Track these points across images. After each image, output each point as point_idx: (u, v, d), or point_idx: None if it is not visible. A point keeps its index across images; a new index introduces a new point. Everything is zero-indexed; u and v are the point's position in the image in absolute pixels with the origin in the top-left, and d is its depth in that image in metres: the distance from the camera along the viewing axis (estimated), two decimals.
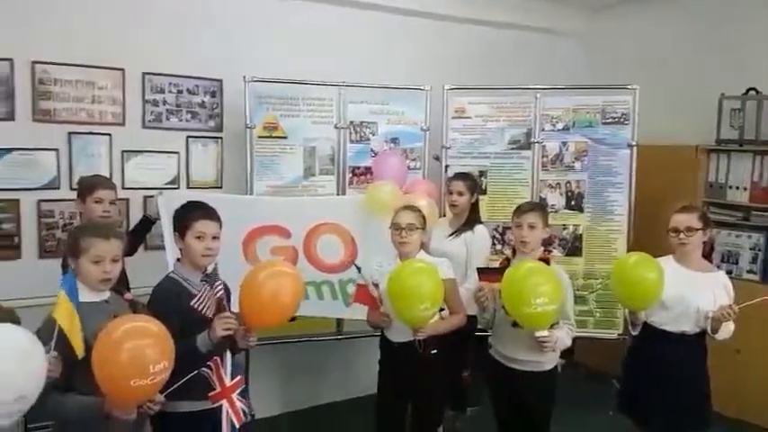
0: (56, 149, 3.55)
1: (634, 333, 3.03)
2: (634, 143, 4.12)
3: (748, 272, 4.22)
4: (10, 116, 3.42)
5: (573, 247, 4.25)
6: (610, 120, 4.18)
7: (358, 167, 4.07)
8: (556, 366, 2.97)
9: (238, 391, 2.29)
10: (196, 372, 2.16)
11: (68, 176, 3.57)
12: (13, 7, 3.37)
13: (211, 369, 2.22)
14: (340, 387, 4.44)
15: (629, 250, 4.01)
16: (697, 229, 2.88)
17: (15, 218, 3.47)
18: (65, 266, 2.32)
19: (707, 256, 3.04)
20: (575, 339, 4.63)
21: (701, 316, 2.84)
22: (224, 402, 2.26)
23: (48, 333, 1.87)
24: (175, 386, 2.02)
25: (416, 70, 4.36)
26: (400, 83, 4.13)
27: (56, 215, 3.55)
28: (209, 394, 2.23)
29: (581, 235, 4.24)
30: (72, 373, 1.93)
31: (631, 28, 5.21)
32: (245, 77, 3.76)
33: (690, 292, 2.85)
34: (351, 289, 3.49)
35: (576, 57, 5.18)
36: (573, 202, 4.24)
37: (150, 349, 1.84)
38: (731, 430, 4.00)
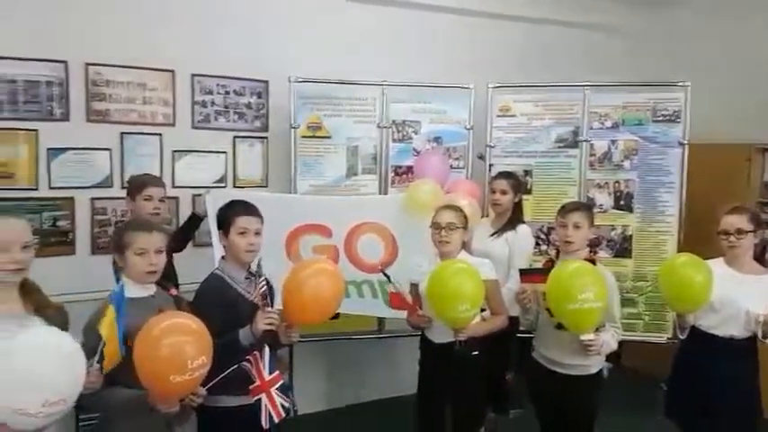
0: (108, 149, 3.68)
1: (682, 337, 2.95)
2: (685, 142, 4.00)
3: None
4: (65, 117, 3.56)
5: (622, 249, 4.15)
6: (660, 118, 4.06)
7: (400, 167, 4.07)
8: (601, 370, 2.90)
9: (277, 385, 2.32)
10: (237, 365, 2.20)
11: (120, 175, 3.70)
12: (68, 10, 3.51)
13: (251, 363, 2.25)
14: (383, 385, 4.46)
15: (679, 252, 3.90)
16: (747, 232, 2.80)
17: (70, 215, 3.61)
18: (116, 266, 2.40)
19: (759, 257, 2.93)
20: (621, 342, 4.58)
21: (750, 320, 2.75)
22: (263, 396, 2.29)
23: (92, 345, 1.93)
24: (217, 380, 2.06)
25: (460, 69, 4.34)
26: (443, 81, 4.12)
27: (108, 212, 3.68)
28: (250, 387, 2.27)
29: (630, 236, 4.13)
30: (119, 367, 1.99)
31: (684, 25, 5.07)
32: (289, 78, 3.83)
33: (739, 296, 2.77)
34: (391, 288, 3.50)
35: (626, 54, 5.06)
36: (622, 202, 4.14)
37: (189, 345, 1.88)
38: None
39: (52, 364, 1.68)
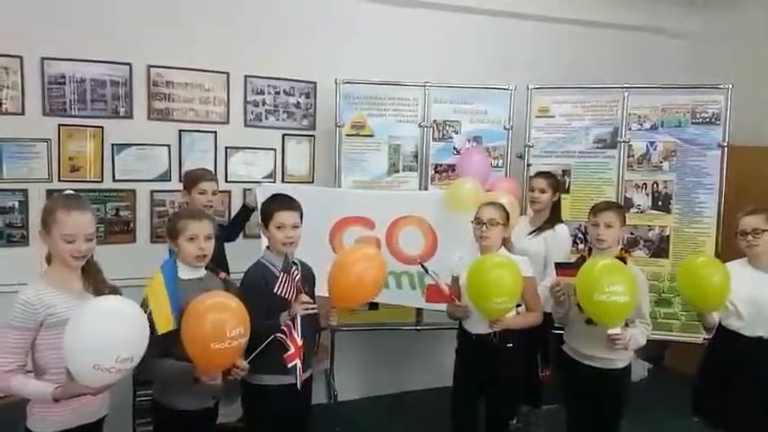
0: (168, 145, 3.93)
1: (708, 336, 2.99)
2: (725, 144, 3.99)
3: None
4: (128, 115, 3.82)
5: (659, 249, 4.17)
6: (700, 120, 4.06)
7: (440, 165, 4.20)
8: (629, 365, 2.97)
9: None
10: (273, 336, 2.40)
11: (178, 169, 3.93)
12: (132, 17, 3.75)
13: (285, 333, 2.44)
14: (422, 376, 4.57)
15: (717, 253, 3.91)
16: (764, 230, 2.82)
17: (132, 206, 3.87)
18: (171, 251, 2.62)
19: None
20: (664, 344, 4.59)
21: None
22: (297, 361, 2.47)
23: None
24: (257, 351, 2.29)
25: (500, 70, 4.41)
26: (484, 83, 4.22)
27: (166, 204, 3.92)
28: (285, 356, 2.44)
29: (668, 236, 4.15)
30: (169, 341, 2.19)
31: (725, 26, 5.01)
32: (336, 79, 4.00)
33: (763, 295, 2.80)
34: (429, 280, 3.64)
35: (666, 55, 5.03)
36: (660, 203, 4.15)
37: (227, 316, 2.09)
38: None
39: (123, 324, 1.91)
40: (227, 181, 4.06)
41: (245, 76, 4.10)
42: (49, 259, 2.18)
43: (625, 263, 2.89)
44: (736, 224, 2.92)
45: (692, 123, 4.08)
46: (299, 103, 4.27)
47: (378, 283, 2.64)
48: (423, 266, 3.40)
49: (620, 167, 4.18)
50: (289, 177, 4.28)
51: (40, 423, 2.11)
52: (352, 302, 2.65)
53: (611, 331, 2.65)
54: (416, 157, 4.17)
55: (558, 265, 2.97)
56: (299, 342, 2.45)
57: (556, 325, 3.28)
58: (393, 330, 4.26)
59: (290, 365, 2.45)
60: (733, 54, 4.82)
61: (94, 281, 2.20)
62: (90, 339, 1.85)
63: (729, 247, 3.75)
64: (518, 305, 2.98)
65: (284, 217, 2.63)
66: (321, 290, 2.77)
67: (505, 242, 3.11)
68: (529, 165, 4.23)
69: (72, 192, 2.36)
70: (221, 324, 2.06)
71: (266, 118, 4.20)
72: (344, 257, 2.67)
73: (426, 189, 4.15)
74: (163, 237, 3.77)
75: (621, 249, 3.04)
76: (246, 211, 3.73)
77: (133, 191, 3.87)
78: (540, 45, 4.76)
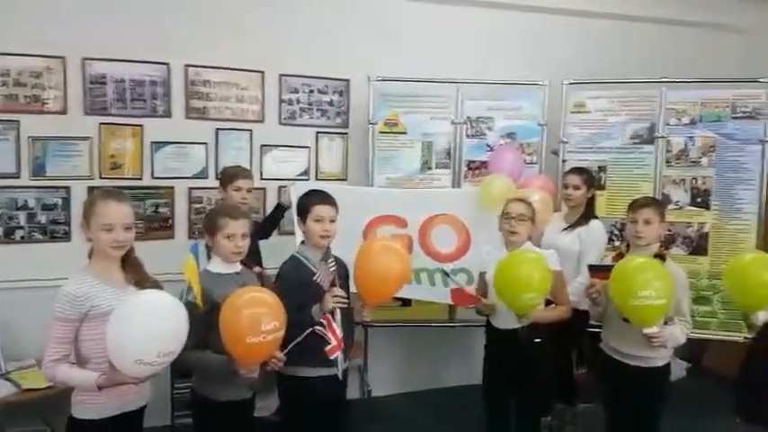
0: (205, 143, 4.00)
1: (750, 336, 2.92)
2: (766, 139, 3.90)
3: None
4: (167, 114, 3.91)
5: (697, 246, 4.08)
6: (740, 114, 3.97)
7: (473, 162, 4.19)
8: (668, 363, 2.93)
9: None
10: (311, 329, 2.44)
11: (215, 167, 4.00)
12: (171, 17, 3.83)
13: (324, 326, 2.47)
14: (455, 372, 4.58)
15: (757, 250, 3.82)
16: None
17: (170, 203, 3.95)
18: (207, 247, 2.68)
19: None
20: (702, 343, 4.50)
21: None
22: (339, 354, 2.51)
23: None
24: (293, 344, 2.32)
25: (534, 66, 4.39)
26: (518, 78, 4.20)
27: (204, 201, 3.99)
28: (326, 349, 2.48)
29: (706, 233, 4.07)
30: (210, 333, 2.24)
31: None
32: (369, 77, 4.03)
33: None
34: (462, 278, 3.64)
35: (703, 49, 4.92)
36: (698, 199, 4.07)
37: (263, 311, 2.12)
38: None
39: (166, 319, 1.96)
40: (262, 178, 4.11)
41: (280, 75, 4.15)
42: (91, 254, 2.24)
43: (663, 260, 2.85)
44: None
45: (732, 118, 3.99)
46: (332, 100, 4.30)
47: (400, 270, 2.64)
48: (445, 272, 3.41)
49: (658, 163, 4.11)
50: (322, 175, 4.32)
51: (84, 410, 2.17)
52: (378, 292, 2.65)
53: (646, 330, 2.62)
54: (449, 154, 4.17)
55: (592, 268, 2.94)
56: (340, 334, 2.48)
57: (591, 323, 3.25)
58: (426, 327, 4.27)
59: (332, 357, 2.49)
60: None
61: (136, 274, 2.26)
62: (132, 335, 1.91)
63: None
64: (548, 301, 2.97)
65: (323, 210, 2.66)
66: (354, 287, 2.79)
67: (530, 238, 3.10)
68: (564, 161, 4.19)
69: (112, 187, 2.43)
70: (257, 318, 2.09)
71: (300, 116, 4.24)
72: (365, 248, 2.70)
73: (459, 186, 4.16)
74: (201, 233, 3.90)
75: (660, 246, 2.99)
76: (281, 209, 3.77)
77: (171, 188, 3.95)
78: (575, 40, 4.69)
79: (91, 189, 3.62)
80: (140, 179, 3.88)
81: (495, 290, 2.85)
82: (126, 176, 3.84)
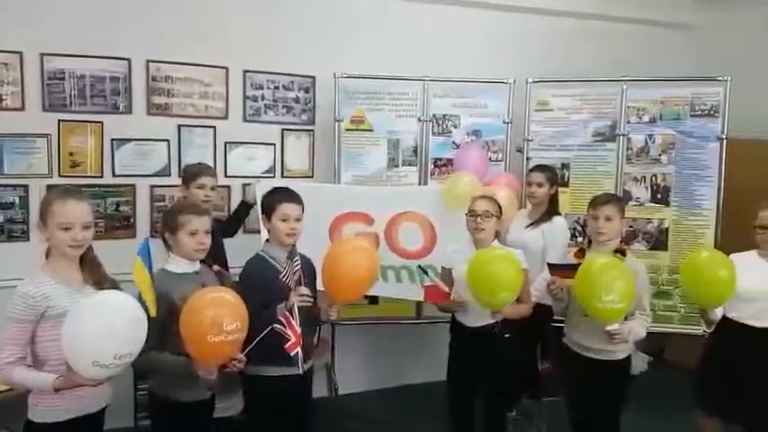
0: (167, 140, 3.94)
1: (709, 330, 2.98)
2: (724, 136, 4.01)
3: None
4: (128, 110, 3.83)
5: (658, 242, 4.18)
6: (699, 112, 4.08)
7: (440, 159, 4.21)
8: (629, 356, 2.98)
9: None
10: (270, 327, 2.41)
11: (178, 164, 3.94)
12: (130, 11, 3.76)
13: (283, 324, 2.45)
14: (423, 368, 4.54)
15: (716, 246, 3.92)
16: None
17: (131, 201, 3.88)
18: (167, 245, 2.62)
19: None
20: (664, 337, 4.60)
21: None
22: (298, 349, 2.49)
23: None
24: (254, 343, 2.28)
25: (500, 64, 4.41)
26: (483, 77, 4.22)
27: (166, 199, 3.93)
28: (286, 346, 2.46)
29: (666, 229, 4.17)
30: (168, 334, 2.21)
31: (725, 18, 5.01)
32: (335, 74, 4.01)
33: None
34: (427, 281, 3.65)
35: (664, 48, 5.03)
36: (659, 196, 4.17)
37: (225, 311, 2.10)
38: None
39: (123, 321, 1.92)
40: (226, 176, 4.06)
41: (244, 71, 4.11)
42: (48, 254, 2.19)
43: (624, 255, 2.90)
44: (755, 216, 2.89)
45: (691, 116, 4.10)
46: (298, 97, 4.27)
47: (369, 272, 2.63)
48: (422, 268, 3.42)
49: (619, 160, 4.19)
50: (288, 172, 4.29)
51: (41, 413, 2.12)
52: (348, 294, 2.65)
53: (609, 327, 2.66)
54: (416, 151, 4.19)
55: (552, 267, 2.98)
56: (299, 330, 2.46)
57: (555, 317, 3.29)
58: (394, 324, 4.27)
59: (292, 354, 2.47)
60: (732, 47, 4.82)
61: (94, 274, 2.22)
62: (88, 337, 1.87)
63: (729, 239, 3.79)
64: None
65: (288, 209, 2.64)
66: (321, 285, 2.77)
67: (497, 235, 3.13)
68: (528, 158, 4.25)
69: (70, 185, 2.37)
70: (219, 318, 2.07)
71: (265, 113, 4.20)
72: (335, 249, 2.68)
73: (426, 184, 4.17)
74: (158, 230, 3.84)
75: (621, 242, 3.05)
76: (245, 206, 3.74)
77: (133, 186, 3.88)
78: (540, 39, 4.75)
79: (50, 187, 3.51)
80: (101, 177, 3.80)
81: (469, 287, 2.84)
82: (86, 174, 3.75)
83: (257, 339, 2.29)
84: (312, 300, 2.58)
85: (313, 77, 4.27)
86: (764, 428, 2.88)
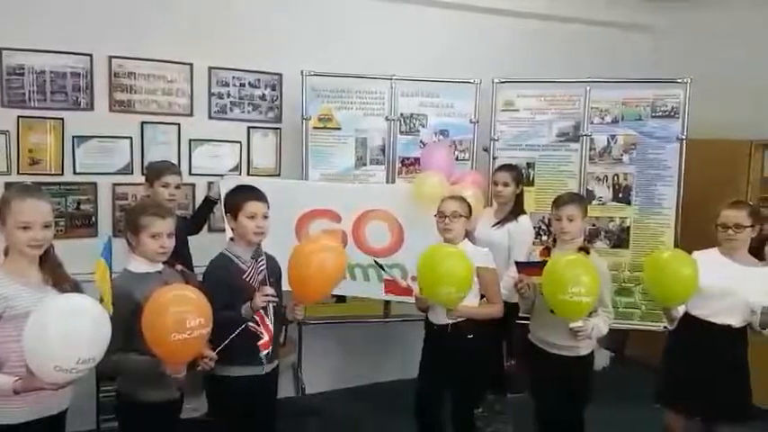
0: (130, 138, 3.87)
1: (671, 328, 3.04)
2: (683, 137, 4.10)
3: None
4: (89, 107, 3.76)
5: (619, 240, 4.27)
6: (660, 113, 4.17)
7: (407, 158, 4.22)
8: (592, 352, 3.03)
9: None
10: (244, 325, 2.39)
11: (141, 162, 3.87)
12: (93, 6, 3.68)
13: (257, 322, 2.44)
14: (391, 367, 4.58)
15: (676, 244, 4.02)
16: (746, 227, 2.85)
17: (93, 199, 3.81)
18: (129, 245, 2.58)
19: (759, 251, 3.00)
20: (625, 333, 4.70)
21: (748, 310, 2.83)
22: (270, 349, 2.50)
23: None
24: (226, 342, 2.26)
25: (468, 64, 4.43)
26: (451, 77, 4.24)
27: (129, 198, 3.86)
28: (259, 343, 2.45)
29: (628, 227, 4.26)
30: (132, 335, 2.17)
31: (686, 21, 5.15)
32: (302, 72, 3.98)
33: (739, 286, 2.83)
34: (396, 272, 3.67)
35: (627, 50, 5.14)
36: (620, 195, 4.26)
37: (187, 308, 2.07)
38: None
39: (86, 325, 1.88)
40: (190, 174, 4.01)
41: (210, 68, 4.06)
42: (6, 253, 2.14)
43: (588, 254, 2.95)
44: (716, 215, 2.93)
45: (652, 117, 4.18)
46: (264, 95, 4.24)
47: (337, 273, 2.60)
48: (378, 264, 3.43)
49: (582, 160, 4.26)
50: (255, 170, 4.25)
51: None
52: (314, 295, 2.63)
53: (572, 325, 2.70)
54: (383, 150, 4.19)
55: (519, 264, 3.01)
56: (272, 329, 2.45)
57: (521, 315, 3.33)
58: (361, 323, 4.27)
59: (264, 352, 2.46)
60: (692, 49, 4.95)
61: (54, 274, 2.17)
62: (51, 342, 1.83)
63: (688, 237, 3.89)
64: (482, 296, 3.03)
65: (256, 206, 2.60)
66: (287, 284, 2.75)
67: (468, 234, 3.14)
68: (494, 158, 4.29)
69: (29, 183, 2.32)
70: (181, 315, 2.04)
71: (231, 110, 4.16)
72: (302, 249, 2.63)
73: (393, 182, 4.18)
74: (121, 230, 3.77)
75: (584, 240, 3.09)
76: (209, 203, 3.69)
77: (94, 184, 3.80)
78: (506, 39, 4.80)
79: (8, 185, 3.41)
80: (61, 175, 3.72)
81: (418, 283, 2.86)
82: (46, 172, 3.67)
83: (228, 339, 2.27)
84: (278, 299, 2.56)
85: (280, 75, 4.25)
86: (725, 423, 2.95)
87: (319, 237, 3.28)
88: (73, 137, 3.72)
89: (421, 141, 4.22)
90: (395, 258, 3.79)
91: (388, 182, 4.18)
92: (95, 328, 1.91)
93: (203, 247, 3.35)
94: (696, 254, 2.89)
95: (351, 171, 4.14)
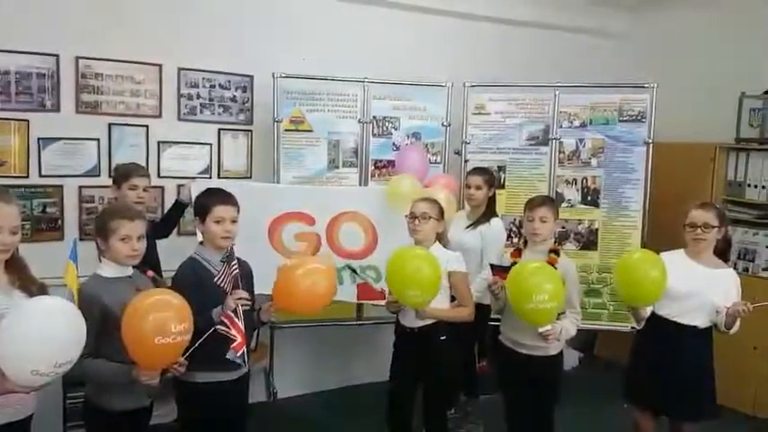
0: (97, 139, 3.79)
1: (638, 328, 3.10)
2: (650, 141, 4.18)
3: (764, 269, 4.28)
4: (55, 108, 3.68)
5: (588, 242, 4.33)
6: (627, 118, 4.24)
7: (380, 161, 4.23)
8: (561, 352, 3.07)
9: None
10: (213, 330, 2.37)
11: (108, 164, 3.80)
12: (59, 5, 3.61)
13: (227, 325, 2.41)
14: (364, 370, 4.56)
15: (643, 245, 4.09)
16: (713, 227, 2.91)
17: (59, 202, 3.72)
18: (99, 249, 2.54)
19: (724, 253, 3.08)
20: (594, 333, 4.78)
21: (713, 311, 2.90)
22: (245, 349, 2.46)
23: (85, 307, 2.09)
24: (196, 345, 2.22)
25: (440, 67, 4.46)
26: (423, 80, 4.27)
27: (96, 200, 3.79)
28: (232, 346, 2.41)
29: (596, 230, 4.32)
30: (101, 341, 2.15)
31: (652, 26, 5.27)
32: (273, 74, 3.96)
33: (705, 287, 2.90)
34: (371, 274, 3.67)
35: (595, 55, 5.23)
36: (589, 198, 4.32)
37: (172, 313, 2.06)
38: (747, 426, 4.08)
39: (63, 328, 1.85)
40: (159, 176, 3.95)
41: (179, 69, 4.00)
42: None
43: (558, 255, 2.99)
44: (684, 215, 2.98)
45: (620, 121, 4.26)
46: (235, 96, 4.20)
47: (327, 297, 2.64)
48: (350, 268, 3.42)
49: (552, 163, 4.32)
50: (225, 173, 4.21)
51: None
52: (299, 312, 2.64)
53: (541, 329, 2.73)
54: (356, 152, 4.19)
55: (493, 267, 3.03)
56: (243, 330, 2.43)
57: (492, 316, 3.36)
58: (334, 326, 4.25)
59: (238, 354, 2.43)
60: (658, 54, 5.06)
61: (21, 277, 2.12)
62: (28, 346, 1.80)
63: (654, 239, 3.96)
64: (453, 299, 3.04)
65: (223, 211, 2.58)
66: (259, 287, 2.75)
67: (440, 237, 3.14)
68: (466, 161, 4.32)
69: None
70: (166, 319, 2.03)
71: (201, 112, 4.11)
72: (295, 269, 2.61)
73: (366, 185, 4.17)
74: (92, 234, 3.69)
75: (555, 242, 3.13)
76: (180, 206, 3.64)
77: (60, 186, 3.72)
78: (476, 43, 4.84)
79: None
80: (27, 177, 3.63)
81: (386, 284, 2.86)
82: (11, 174, 3.58)
83: (197, 343, 2.24)
84: (250, 302, 2.54)
85: (251, 77, 4.21)
86: (691, 422, 3.02)
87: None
88: (38, 138, 3.63)
89: (393, 144, 4.23)
90: (369, 260, 3.79)
91: (360, 184, 4.18)
92: (72, 330, 1.88)
93: (172, 251, 3.31)
94: (663, 255, 2.93)
95: (323, 173, 4.13)
